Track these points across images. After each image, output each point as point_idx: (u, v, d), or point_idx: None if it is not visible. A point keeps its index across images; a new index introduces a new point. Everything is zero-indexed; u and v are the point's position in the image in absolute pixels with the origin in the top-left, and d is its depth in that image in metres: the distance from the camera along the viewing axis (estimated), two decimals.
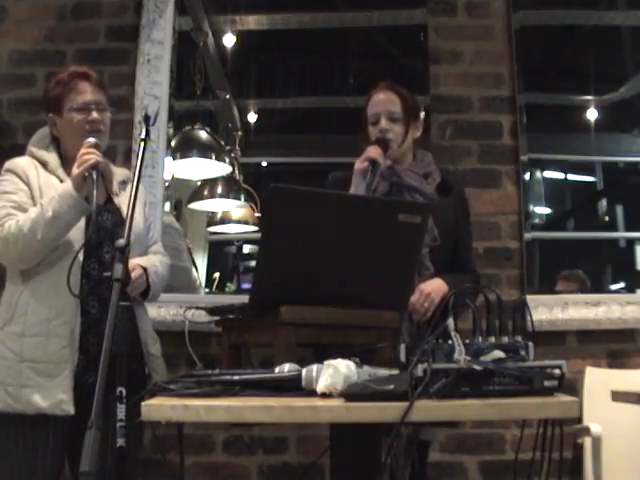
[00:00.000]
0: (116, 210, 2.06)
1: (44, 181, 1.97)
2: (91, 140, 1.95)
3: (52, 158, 2.02)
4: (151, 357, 2.05)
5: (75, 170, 1.89)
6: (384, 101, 2.21)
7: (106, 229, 2.01)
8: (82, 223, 1.95)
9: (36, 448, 1.87)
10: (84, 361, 1.91)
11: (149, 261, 2.06)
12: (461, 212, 2.28)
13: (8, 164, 2.02)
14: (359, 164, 2.08)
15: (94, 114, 1.99)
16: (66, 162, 2.02)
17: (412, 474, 1.87)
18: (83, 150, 1.91)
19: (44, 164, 2.01)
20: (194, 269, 3.69)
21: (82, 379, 1.90)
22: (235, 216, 4.16)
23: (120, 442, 1.46)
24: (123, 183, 2.14)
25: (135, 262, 1.94)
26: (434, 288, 2.04)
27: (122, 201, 2.08)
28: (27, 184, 1.96)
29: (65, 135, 2.04)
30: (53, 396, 1.85)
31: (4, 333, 1.91)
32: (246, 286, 4.30)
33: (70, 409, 1.86)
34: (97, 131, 1.98)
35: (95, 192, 1.84)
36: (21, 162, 2.02)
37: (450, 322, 1.31)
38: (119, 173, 2.16)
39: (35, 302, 1.90)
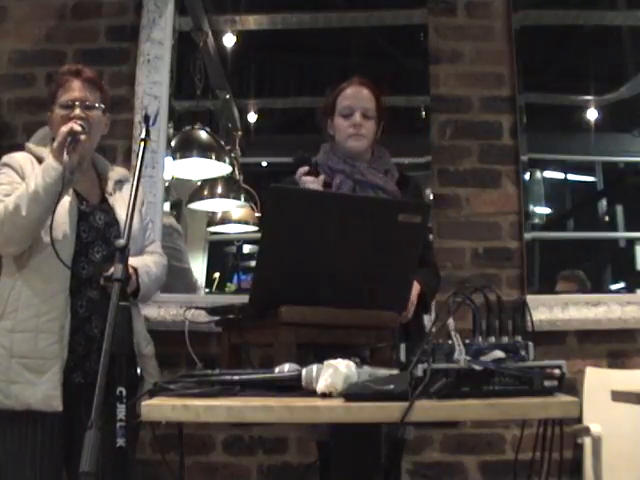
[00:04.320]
0: (110, 209, 2.06)
1: None
2: (76, 113, 1.98)
3: (47, 154, 2.02)
4: (143, 358, 2.05)
5: (54, 144, 1.91)
6: (359, 96, 2.20)
7: (98, 229, 2.01)
8: (74, 219, 1.96)
9: (25, 444, 1.87)
10: (72, 360, 1.92)
11: (141, 261, 2.06)
12: None
13: (5, 158, 2.03)
14: None
15: (77, 111, 1.99)
16: None
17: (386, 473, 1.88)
18: (62, 128, 1.93)
19: (40, 160, 2.01)
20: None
21: (70, 378, 1.91)
22: (235, 216, 4.15)
23: (120, 442, 1.46)
24: (119, 182, 2.14)
25: None
26: None
27: (116, 201, 2.08)
28: (22, 178, 1.96)
29: (53, 131, 2.05)
30: (42, 392, 1.86)
31: None
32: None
33: (58, 406, 1.86)
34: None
35: (65, 157, 1.86)
36: (18, 157, 2.03)
37: (450, 322, 1.31)
38: (116, 172, 2.16)
39: (26, 298, 1.90)
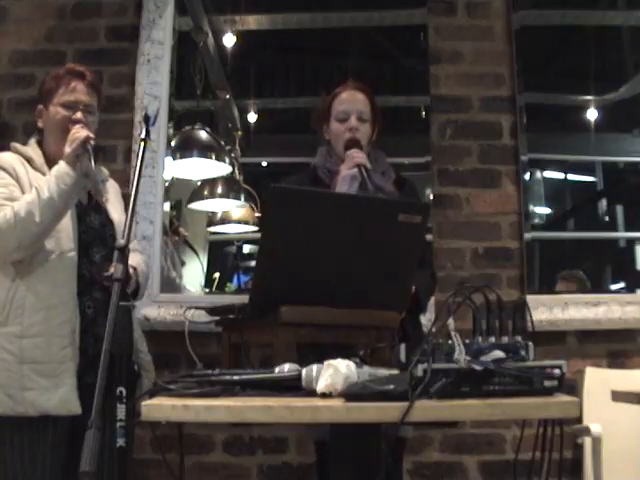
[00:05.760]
0: (101, 210, 2.07)
1: (32, 177, 1.95)
2: (78, 116, 1.97)
3: (36, 155, 2.02)
4: (139, 354, 2.05)
5: (67, 149, 1.90)
6: (354, 100, 2.22)
7: (95, 229, 2.01)
8: (74, 221, 1.96)
9: (37, 450, 1.85)
10: (83, 361, 1.91)
11: (135, 260, 2.05)
12: None
13: None
14: (347, 170, 2.08)
15: (78, 114, 1.99)
16: (48, 159, 2.00)
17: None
18: (73, 130, 1.92)
19: (29, 160, 2.00)
20: (176, 268, 3.69)
21: (82, 380, 1.90)
22: (235, 216, 4.16)
23: (120, 442, 1.46)
24: (102, 182, 2.14)
25: None
26: None
27: (105, 201, 2.09)
28: (16, 179, 1.95)
29: (47, 130, 2.04)
30: (58, 397, 1.84)
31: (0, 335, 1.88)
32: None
33: (77, 409, 1.85)
34: None
35: (93, 164, 1.88)
36: (7, 158, 2.00)
37: (450, 322, 1.31)
38: (100, 172, 2.16)
39: (32, 302, 1.87)
